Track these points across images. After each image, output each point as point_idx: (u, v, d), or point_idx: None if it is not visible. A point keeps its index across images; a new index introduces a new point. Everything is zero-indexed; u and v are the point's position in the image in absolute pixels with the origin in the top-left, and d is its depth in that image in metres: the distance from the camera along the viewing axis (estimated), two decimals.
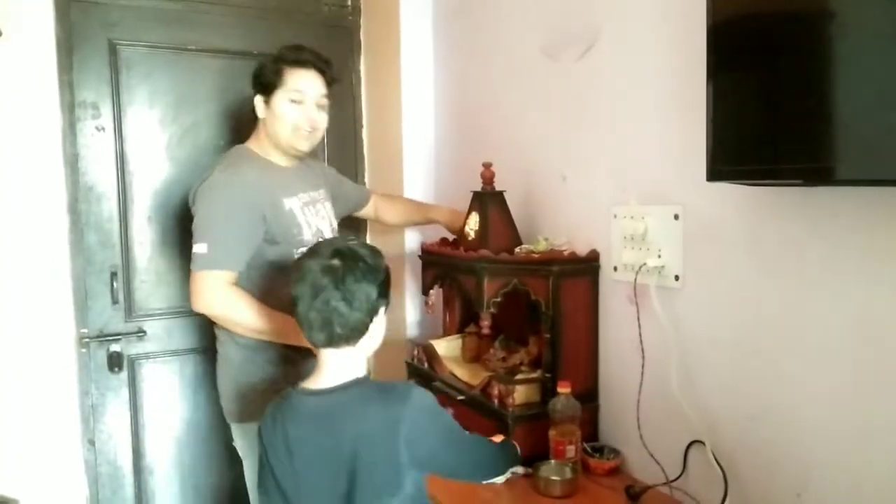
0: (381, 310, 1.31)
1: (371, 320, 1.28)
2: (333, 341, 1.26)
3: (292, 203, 1.82)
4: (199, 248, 1.67)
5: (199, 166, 2.34)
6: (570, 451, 1.53)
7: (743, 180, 1.21)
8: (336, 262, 1.26)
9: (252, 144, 1.86)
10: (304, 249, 1.70)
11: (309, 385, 1.29)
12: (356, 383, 1.27)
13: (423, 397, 1.26)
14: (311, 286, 1.25)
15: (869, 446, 1.11)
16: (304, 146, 1.85)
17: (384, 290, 1.31)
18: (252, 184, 1.74)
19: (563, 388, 1.54)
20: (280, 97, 1.79)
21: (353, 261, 1.27)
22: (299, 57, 1.82)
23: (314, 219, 1.87)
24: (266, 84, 1.80)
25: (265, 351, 1.78)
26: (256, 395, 1.75)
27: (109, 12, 2.22)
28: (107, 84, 2.23)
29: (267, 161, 1.84)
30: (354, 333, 1.26)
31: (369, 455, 1.20)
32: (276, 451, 1.27)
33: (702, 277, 1.41)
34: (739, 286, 1.32)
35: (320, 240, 1.59)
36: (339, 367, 1.28)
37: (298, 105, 1.80)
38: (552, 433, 1.54)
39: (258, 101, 1.83)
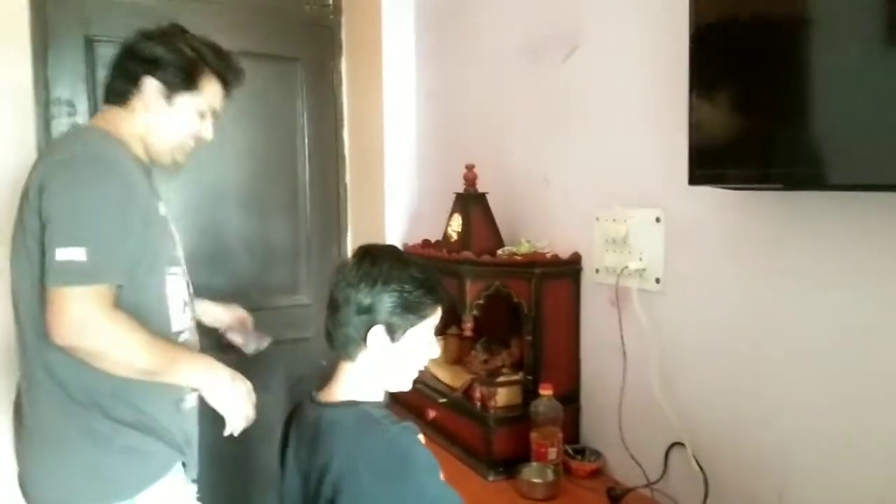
0: (378, 329, 1.11)
1: (361, 335, 1.12)
2: (332, 346, 1.18)
3: (163, 208, 1.44)
4: (70, 252, 1.18)
5: None
6: (552, 453, 1.53)
7: (724, 184, 1.22)
8: (355, 258, 1.16)
9: (110, 127, 1.38)
10: (176, 269, 1.43)
11: (319, 392, 1.21)
12: (347, 405, 1.15)
13: (400, 446, 1.08)
14: (332, 275, 1.17)
15: (849, 448, 1.12)
16: (184, 161, 1.51)
17: (390, 307, 1.11)
18: (131, 172, 1.33)
19: (545, 391, 1.54)
20: (187, 102, 1.43)
21: (362, 264, 1.14)
22: (232, 75, 1.52)
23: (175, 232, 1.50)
24: (174, 78, 1.41)
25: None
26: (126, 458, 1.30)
27: (86, 8, 2.17)
28: (83, 81, 2.19)
29: (134, 153, 1.40)
30: (346, 344, 1.14)
31: (345, 486, 1.05)
32: (283, 452, 1.24)
33: (683, 281, 1.42)
34: (720, 289, 1.34)
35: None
36: (344, 380, 1.18)
37: (201, 119, 1.48)
38: (534, 435, 1.54)
39: (153, 86, 1.39)
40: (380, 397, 1.20)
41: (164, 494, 1.33)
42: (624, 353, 1.53)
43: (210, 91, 1.47)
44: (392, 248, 1.24)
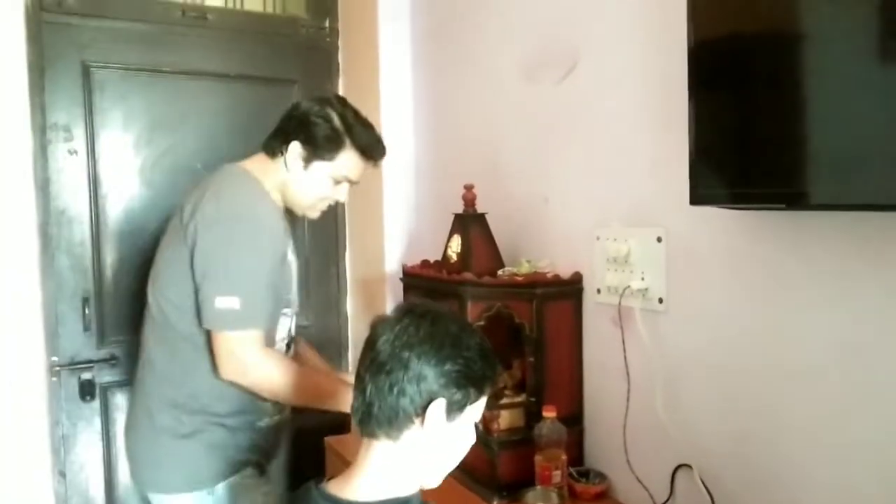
0: (439, 403, 0.94)
1: (419, 413, 0.94)
2: (368, 424, 0.96)
3: (291, 253, 1.63)
4: (226, 301, 1.39)
5: (175, 189, 2.30)
6: (556, 476, 1.51)
7: (725, 204, 1.21)
8: (405, 319, 0.98)
9: (258, 173, 1.58)
10: (287, 310, 1.60)
11: (333, 485, 0.99)
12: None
13: None
14: (369, 340, 0.99)
15: (856, 466, 1.11)
16: (315, 217, 1.69)
17: (454, 378, 0.95)
18: (272, 224, 1.53)
19: (549, 413, 1.52)
20: (324, 170, 1.58)
21: (421, 323, 0.97)
22: (373, 151, 1.63)
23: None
24: (315, 146, 1.56)
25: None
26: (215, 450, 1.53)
27: (82, 34, 2.18)
28: (79, 106, 2.19)
29: (275, 200, 1.59)
30: (394, 422, 0.94)
31: None
32: None
33: (686, 300, 1.41)
34: (723, 309, 1.33)
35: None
36: (378, 468, 0.97)
37: (337, 185, 1.62)
38: (538, 458, 1.52)
39: (296, 150, 1.56)
40: (416, 490, 1.01)
41: (238, 490, 1.52)
42: (627, 374, 1.51)
43: (348, 162, 1.59)
44: (451, 311, 1.10)
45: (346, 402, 1.34)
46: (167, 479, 1.52)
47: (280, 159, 1.57)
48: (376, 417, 0.95)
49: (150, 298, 1.58)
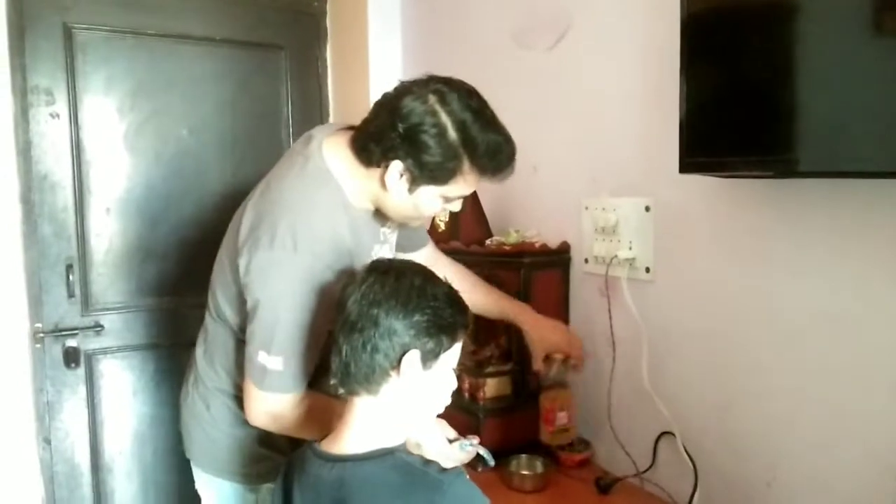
0: (413, 355, 0.96)
1: (394, 365, 0.96)
2: (348, 383, 0.98)
3: (380, 250, 1.37)
4: (270, 361, 1.17)
5: (160, 155, 2.29)
6: (562, 418, 1.50)
7: (714, 173, 1.21)
8: (370, 278, 0.98)
9: (344, 177, 1.24)
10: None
11: (325, 443, 1.02)
12: (381, 455, 0.97)
13: (460, 498, 0.93)
14: (339, 303, 0.99)
15: (837, 434, 1.12)
16: (415, 227, 1.43)
17: (424, 328, 0.96)
18: (340, 246, 1.22)
19: (557, 355, 1.49)
20: (433, 192, 1.21)
21: (386, 280, 0.97)
22: (497, 167, 1.21)
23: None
24: (427, 171, 1.17)
25: None
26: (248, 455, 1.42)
27: None
28: (61, 69, 2.14)
29: (360, 205, 1.27)
30: (371, 377, 0.96)
31: None
32: None
33: (673, 269, 1.41)
34: (710, 278, 1.33)
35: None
36: (362, 423, 1.00)
37: (445, 202, 1.26)
38: (541, 398, 1.51)
39: (399, 170, 1.17)
40: (402, 440, 1.02)
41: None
42: (613, 343, 1.52)
43: (464, 182, 1.21)
44: (415, 263, 1.06)
45: None
46: (213, 461, 1.43)
47: (375, 171, 1.21)
48: (354, 376, 0.97)
49: (210, 294, 1.41)
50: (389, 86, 1.86)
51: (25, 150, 2.09)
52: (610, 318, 1.52)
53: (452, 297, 1.01)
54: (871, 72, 0.90)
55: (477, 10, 2.00)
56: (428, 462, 0.97)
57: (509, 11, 1.86)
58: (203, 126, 2.36)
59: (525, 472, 1.48)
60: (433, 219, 1.81)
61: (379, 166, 1.19)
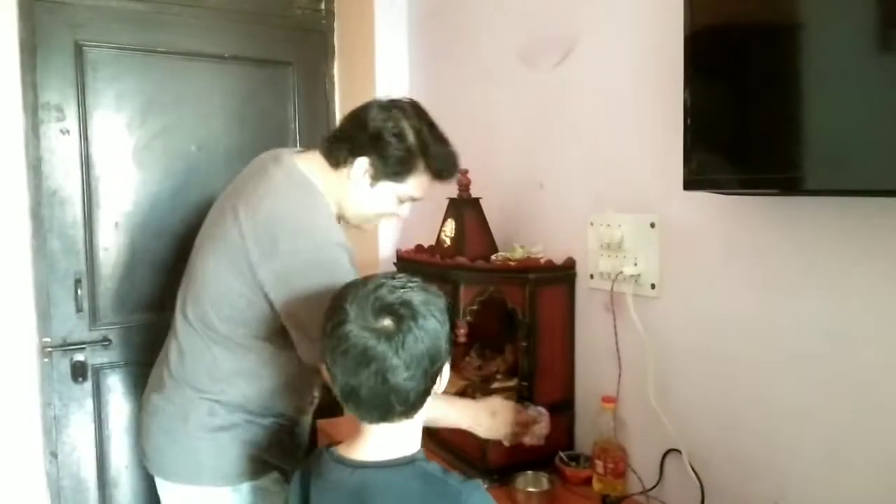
0: (446, 367, 1.03)
1: (434, 384, 1.01)
2: (388, 418, 1.00)
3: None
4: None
5: (168, 171, 2.31)
6: (598, 466, 1.50)
7: (719, 190, 1.21)
8: (389, 322, 0.96)
9: (318, 181, 1.41)
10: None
11: (343, 449, 1.03)
12: (403, 464, 0.99)
13: None
14: (357, 357, 0.95)
15: (846, 455, 1.12)
16: (368, 230, 1.58)
17: (450, 344, 1.02)
18: (335, 237, 1.38)
19: None
20: (390, 189, 1.42)
21: (411, 318, 0.96)
22: (446, 173, 1.46)
23: None
24: (387, 167, 1.39)
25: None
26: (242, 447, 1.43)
27: (76, 13, 2.16)
28: (72, 86, 2.16)
29: (331, 208, 1.44)
30: (416, 406, 1.00)
31: None
32: None
33: (678, 286, 1.41)
34: (715, 295, 1.33)
35: (351, 286, 1.04)
36: (387, 439, 1.01)
37: (399, 203, 1.47)
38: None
39: (364, 166, 1.38)
40: (419, 447, 1.05)
41: (262, 493, 1.44)
42: (619, 359, 1.52)
43: (417, 182, 1.43)
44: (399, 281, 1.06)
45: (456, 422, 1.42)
46: (190, 470, 1.44)
47: (343, 170, 1.40)
48: (399, 412, 0.99)
49: (188, 301, 1.44)
50: None
51: (36, 166, 2.11)
52: (615, 334, 1.52)
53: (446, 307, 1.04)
54: (876, 88, 0.90)
55: (483, 29, 2.02)
56: (447, 471, 1.00)
57: (515, 30, 1.88)
58: (211, 142, 2.38)
59: (531, 489, 1.48)
60: (439, 234, 1.82)
61: (346, 164, 1.39)
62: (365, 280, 1.03)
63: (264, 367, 1.41)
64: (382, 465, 0.99)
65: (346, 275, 1.27)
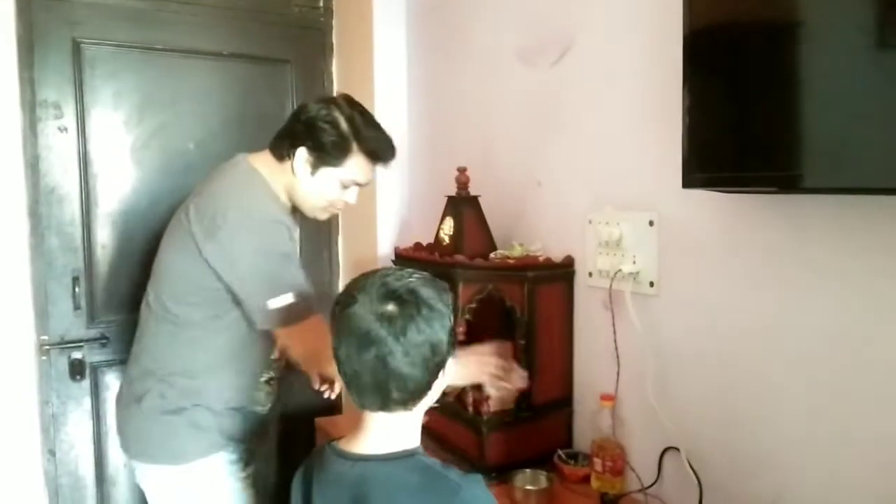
0: (449, 362, 1.03)
1: (436, 378, 1.02)
2: (388, 407, 1.00)
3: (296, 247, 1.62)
4: (280, 300, 1.39)
5: (166, 169, 2.30)
6: (597, 464, 1.50)
7: (717, 187, 1.21)
8: (392, 308, 0.97)
9: (267, 174, 1.54)
10: None
11: (344, 443, 1.05)
12: (402, 457, 1.01)
13: (475, 501, 0.97)
14: (359, 340, 0.97)
15: (844, 453, 1.12)
16: (324, 219, 1.67)
17: (452, 337, 1.03)
18: (289, 224, 1.51)
19: None
20: (332, 175, 1.54)
21: (414, 306, 0.98)
22: (382, 154, 1.57)
23: None
24: (322, 151, 1.51)
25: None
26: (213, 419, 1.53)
27: (73, 10, 2.15)
28: (70, 83, 2.16)
29: (283, 201, 1.57)
30: (415, 396, 1.00)
31: None
32: None
33: (677, 284, 1.41)
34: (714, 293, 1.33)
35: (362, 276, 1.06)
36: (387, 432, 1.03)
37: (345, 189, 1.58)
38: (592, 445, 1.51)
39: (303, 156, 1.51)
40: (419, 441, 1.06)
41: (213, 468, 1.53)
42: (617, 357, 1.52)
43: (356, 166, 1.54)
44: (397, 272, 1.08)
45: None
46: (150, 450, 1.54)
47: (287, 163, 1.53)
48: (396, 400, 1.00)
49: (151, 290, 1.58)
50: (394, 99, 1.96)
51: (33, 164, 2.10)
52: (614, 332, 1.52)
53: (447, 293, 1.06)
54: (875, 86, 0.90)
55: (481, 26, 2.02)
56: (447, 465, 1.01)
57: (514, 28, 1.87)
58: (209, 139, 2.38)
59: (529, 487, 1.48)
60: (437, 232, 1.82)
61: (289, 157, 1.52)
62: (375, 270, 1.05)
63: (209, 347, 1.52)
64: (382, 458, 1.00)
65: (284, 245, 1.45)
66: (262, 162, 1.55)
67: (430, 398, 1.04)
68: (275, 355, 1.62)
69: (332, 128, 1.50)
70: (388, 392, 0.98)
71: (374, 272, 1.04)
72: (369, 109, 1.61)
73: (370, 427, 1.03)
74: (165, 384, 1.51)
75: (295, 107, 2.48)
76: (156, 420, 1.51)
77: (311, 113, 1.52)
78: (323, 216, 1.65)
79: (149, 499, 1.61)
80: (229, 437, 1.56)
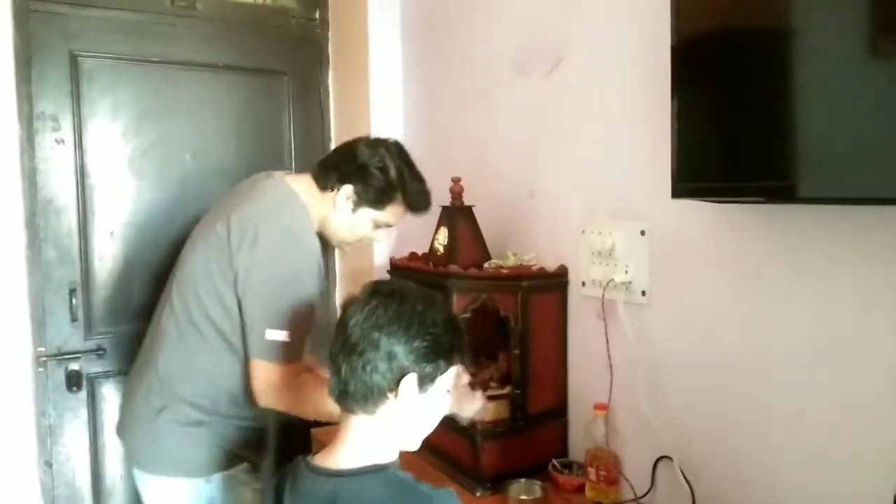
0: (411, 378, 0.99)
1: (392, 388, 0.99)
2: (345, 401, 1.01)
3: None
4: (277, 335, 1.43)
5: (163, 180, 2.32)
6: (591, 474, 1.50)
7: (707, 198, 1.22)
8: (373, 300, 1.01)
9: (306, 199, 1.58)
10: None
11: (318, 457, 1.05)
12: (372, 471, 0.99)
13: None
14: (340, 323, 1.03)
15: (837, 461, 1.12)
16: (345, 250, 1.79)
17: (423, 353, 1.00)
18: (319, 254, 1.55)
19: None
20: (369, 215, 1.62)
21: (389, 304, 1.00)
22: (420, 208, 1.66)
23: None
24: (369, 195, 1.59)
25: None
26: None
27: (70, 23, 2.16)
28: (67, 96, 2.17)
29: (315, 230, 1.61)
30: (369, 398, 0.99)
31: None
32: None
33: (668, 293, 1.41)
34: (706, 302, 1.33)
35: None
36: (357, 440, 1.03)
37: (377, 229, 1.67)
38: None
39: (348, 193, 1.58)
40: (395, 457, 1.06)
41: (232, 481, 1.57)
42: (611, 367, 1.52)
43: (393, 212, 1.64)
44: (419, 287, 1.10)
45: None
46: (165, 463, 1.54)
47: (329, 194, 1.60)
48: (352, 395, 1.00)
49: (177, 299, 1.57)
50: (390, 111, 2.22)
51: (31, 176, 2.11)
52: (607, 341, 1.52)
53: (451, 323, 1.05)
54: (867, 96, 0.90)
55: (475, 38, 2.03)
56: (419, 480, 1.00)
57: (507, 40, 1.89)
58: (206, 151, 2.39)
59: (524, 497, 1.48)
60: (432, 242, 1.82)
61: (333, 189, 1.59)
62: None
63: (228, 367, 1.53)
64: (354, 472, 1.00)
65: (309, 279, 1.48)
66: (302, 187, 1.60)
67: (401, 413, 1.01)
68: None
69: (382, 174, 1.58)
70: (346, 385, 1.00)
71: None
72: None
73: (343, 438, 1.04)
74: (187, 398, 1.53)
75: (291, 120, 2.55)
76: (174, 432, 1.52)
77: (365, 157, 1.58)
78: (346, 248, 1.73)
79: None
80: (247, 448, 1.60)
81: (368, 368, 0.98)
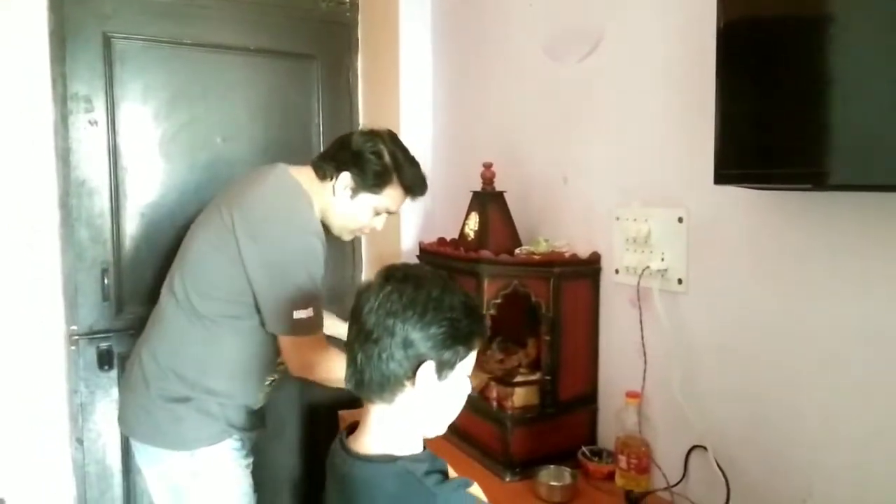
0: (429, 366, 0.96)
1: (410, 376, 0.96)
2: (362, 390, 1.00)
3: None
4: (303, 313, 1.52)
5: (194, 163, 2.33)
6: (622, 461, 1.50)
7: (749, 184, 1.19)
8: (388, 286, 0.98)
9: (307, 188, 1.63)
10: None
11: (351, 437, 1.05)
12: (385, 461, 0.98)
13: None
14: (354, 311, 1.00)
15: (873, 451, 1.10)
16: (346, 239, 1.80)
17: (441, 340, 0.96)
18: (322, 237, 1.61)
19: None
20: (368, 201, 1.68)
21: (403, 289, 0.97)
22: (416, 190, 1.72)
23: None
24: (366, 180, 1.65)
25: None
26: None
27: (104, 5, 2.17)
28: (100, 77, 2.19)
29: (316, 215, 1.66)
30: (385, 387, 0.97)
31: None
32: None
33: (706, 281, 1.39)
34: (744, 291, 1.31)
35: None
36: (377, 426, 1.02)
37: (376, 216, 1.73)
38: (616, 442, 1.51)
39: (346, 180, 1.64)
40: (419, 446, 1.04)
41: (219, 456, 1.61)
42: (644, 355, 1.51)
43: (391, 196, 1.70)
44: (433, 271, 1.06)
45: None
46: (154, 434, 1.60)
47: (328, 183, 1.66)
48: (368, 384, 0.98)
49: (177, 280, 1.63)
50: (419, 95, 2.24)
51: (65, 156, 2.14)
52: (641, 329, 1.51)
53: (469, 307, 1.01)
54: None
55: (508, 22, 2.01)
56: (429, 473, 0.98)
57: (541, 23, 1.86)
58: (236, 133, 2.40)
59: (553, 483, 1.48)
60: (462, 227, 1.82)
61: (332, 178, 1.65)
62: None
63: (224, 344, 1.59)
64: (368, 458, 1.00)
65: (316, 261, 1.55)
66: (304, 176, 1.66)
67: (419, 401, 0.99)
68: (280, 359, 1.67)
69: (378, 159, 1.65)
70: (362, 373, 0.97)
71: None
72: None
73: (365, 422, 1.03)
74: (175, 374, 1.58)
75: (320, 104, 2.55)
76: (162, 406, 1.58)
77: (359, 144, 1.66)
78: (348, 237, 1.78)
79: (148, 481, 1.69)
80: (233, 425, 1.63)
81: (384, 356, 0.96)
